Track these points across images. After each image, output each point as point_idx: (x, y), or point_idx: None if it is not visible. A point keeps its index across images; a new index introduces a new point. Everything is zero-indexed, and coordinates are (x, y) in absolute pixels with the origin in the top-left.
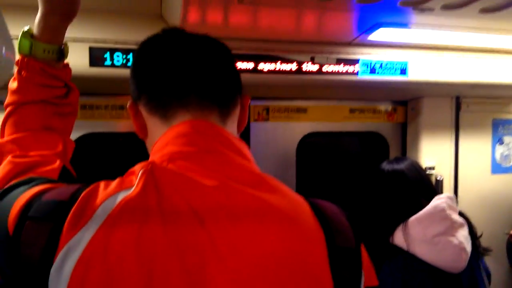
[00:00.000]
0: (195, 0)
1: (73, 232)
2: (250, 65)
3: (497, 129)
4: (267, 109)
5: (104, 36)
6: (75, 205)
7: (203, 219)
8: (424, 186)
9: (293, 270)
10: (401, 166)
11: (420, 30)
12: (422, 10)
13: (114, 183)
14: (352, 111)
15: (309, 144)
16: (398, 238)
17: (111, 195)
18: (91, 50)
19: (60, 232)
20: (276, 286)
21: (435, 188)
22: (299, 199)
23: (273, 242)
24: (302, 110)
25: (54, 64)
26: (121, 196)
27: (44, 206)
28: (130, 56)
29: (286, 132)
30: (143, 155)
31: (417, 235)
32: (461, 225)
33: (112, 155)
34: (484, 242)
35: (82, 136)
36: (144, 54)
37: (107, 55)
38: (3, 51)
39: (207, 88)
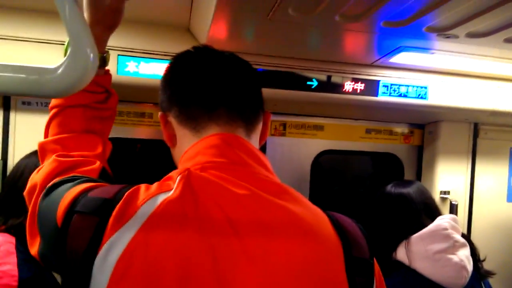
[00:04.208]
0: (225, 15)
1: (116, 228)
2: (269, 80)
3: None
4: (284, 125)
5: (132, 46)
6: (119, 203)
7: (237, 228)
8: (428, 208)
9: (315, 276)
10: (408, 189)
11: (442, 55)
12: (447, 37)
13: (154, 186)
14: (368, 131)
15: (324, 162)
16: (401, 254)
17: (151, 196)
18: (119, 58)
19: (105, 227)
20: (299, 286)
21: (439, 210)
22: (319, 211)
23: (298, 250)
24: (319, 127)
25: (97, 71)
26: (161, 198)
27: (91, 202)
28: (157, 66)
29: (301, 148)
30: (160, 161)
31: (419, 251)
32: (463, 245)
33: (130, 160)
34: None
35: None
36: (176, 68)
37: (135, 64)
38: (91, 55)
39: (235, 102)
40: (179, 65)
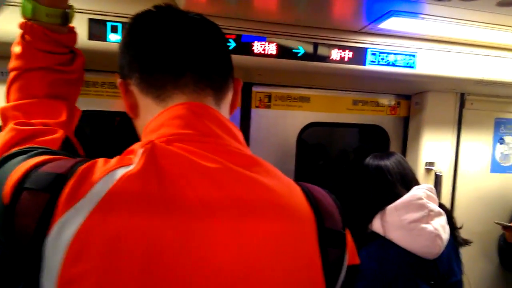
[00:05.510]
0: None
1: (68, 206)
2: (250, 47)
3: (499, 128)
4: (269, 96)
5: (104, 8)
6: (73, 178)
7: (207, 205)
8: (404, 179)
9: (287, 250)
10: (386, 161)
11: (433, 21)
12: (439, 0)
13: (113, 160)
14: (355, 102)
15: (310, 135)
16: (376, 225)
17: (109, 171)
18: (91, 22)
19: (56, 204)
20: (273, 262)
21: (417, 180)
22: (292, 183)
23: (270, 224)
24: (305, 99)
25: (59, 29)
26: (120, 173)
27: (42, 178)
28: None
29: (287, 121)
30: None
31: (393, 221)
32: (438, 214)
33: (107, 135)
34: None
35: None
36: (136, 30)
37: (107, 28)
38: None
39: (202, 67)
40: (140, 27)
